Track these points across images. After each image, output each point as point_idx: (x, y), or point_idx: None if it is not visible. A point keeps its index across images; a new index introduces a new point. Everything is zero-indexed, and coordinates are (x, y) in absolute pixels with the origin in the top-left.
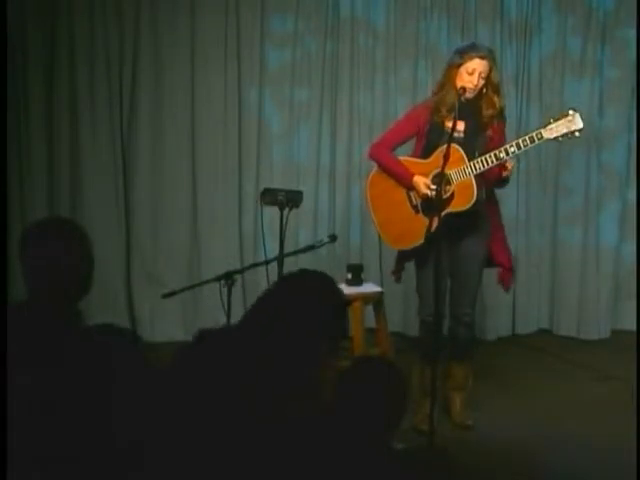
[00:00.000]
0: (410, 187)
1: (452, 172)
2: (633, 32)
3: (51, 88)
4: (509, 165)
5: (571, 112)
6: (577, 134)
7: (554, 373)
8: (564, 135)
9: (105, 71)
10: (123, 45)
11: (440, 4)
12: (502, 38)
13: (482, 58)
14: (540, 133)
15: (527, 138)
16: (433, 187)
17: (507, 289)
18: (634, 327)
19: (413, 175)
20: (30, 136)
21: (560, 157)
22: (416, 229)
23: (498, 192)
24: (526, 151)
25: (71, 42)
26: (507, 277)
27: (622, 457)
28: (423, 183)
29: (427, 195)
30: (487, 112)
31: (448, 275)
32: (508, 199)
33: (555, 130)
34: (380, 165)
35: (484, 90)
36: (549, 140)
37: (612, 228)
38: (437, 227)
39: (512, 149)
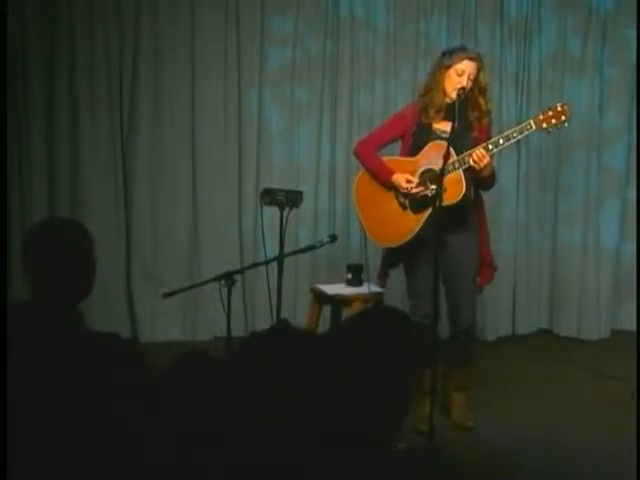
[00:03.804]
0: (390, 185)
1: (439, 167)
2: (633, 32)
3: (51, 88)
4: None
5: (559, 104)
6: (566, 124)
7: (554, 373)
8: (553, 125)
9: (105, 71)
10: (123, 45)
11: (440, 4)
12: (502, 38)
13: (471, 60)
14: (530, 124)
15: (517, 130)
16: (414, 180)
17: (481, 286)
18: (634, 327)
19: (392, 173)
20: (30, 136)
21: (560, 157)
22: (404, 226)
23: (499, 192)
24: (526, 151)
25: (71, 42)
26: (486, 274)
27: (622, 457)
28: (404, 179)
29: (408, 190)
30: (473, 114)
31: (441, 279)
32: (508, 199)
33: (544, 120)
34: (362, 163)
35: (475, 92)
36: (538, 130)
37: (612, 228)
38: (426, 222)
39: (501, 141)
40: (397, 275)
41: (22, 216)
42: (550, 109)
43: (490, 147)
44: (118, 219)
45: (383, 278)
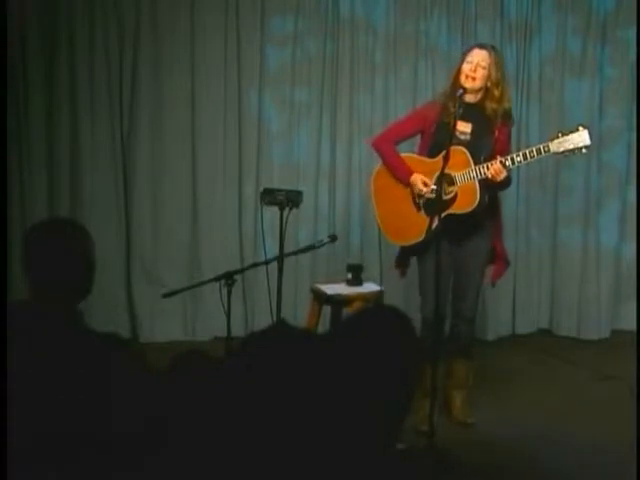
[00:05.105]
0: (407, 184)
1: (457, 174)
2: (633, 32)
3: (51, 88)
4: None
5: (580, 128)
6: (584, 150)
7: (554, 373)
8: (571, 151)
9: (105, 71)
10: (123, 45)
11: (440, 4)
12: (502, 38)
13: (480, 47)
14: (547, 146)
15: (534, 149)
16: (432, 186)
17: (495, 279)
18: (634, 327)
19: (412, 173)
20: (30, 136)
21: (560, 157)
22: (416, 226)
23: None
24: None
25: (71, 42)
26: (500, 267)
27: (622, 457)
28: (421, 180)
29: (422, 193)
30: (491, 105)
31: (452, 273)
32: (508, 199)
33: (562, 144)
34: (381, 157)
35: (488, 84)
36: (556, 154)
37: (612, 228)
38: (437, 226)
39: (518, 158)
40: (398, 276)
41: (22, 216)
42: (572, 132)
43: (507, 163)
44: (118, 219)
45: (402, 266)
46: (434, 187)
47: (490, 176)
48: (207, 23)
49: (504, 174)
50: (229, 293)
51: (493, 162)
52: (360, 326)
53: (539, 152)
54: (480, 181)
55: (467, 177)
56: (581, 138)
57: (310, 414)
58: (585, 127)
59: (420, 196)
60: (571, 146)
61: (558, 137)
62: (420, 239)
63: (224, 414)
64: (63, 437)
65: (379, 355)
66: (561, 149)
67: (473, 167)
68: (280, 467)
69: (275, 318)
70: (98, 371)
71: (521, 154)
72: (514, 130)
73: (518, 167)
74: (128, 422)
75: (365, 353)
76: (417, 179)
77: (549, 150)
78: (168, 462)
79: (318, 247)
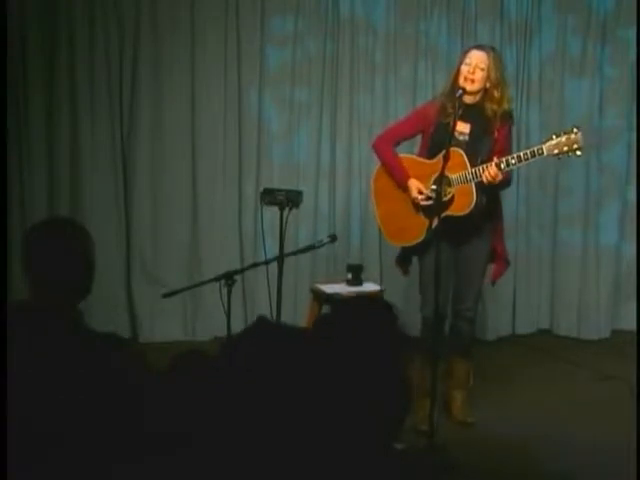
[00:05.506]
0: (405, 189)
1: (454, 176)
2: (633, 32)
3: (51, 88)
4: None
5: (575, 130)
6: (578, 153)
7: (554, 373)
8: (565, 153)
9: (105, 71)
10: (123, 45)
11: (440, 4)
12: (502, 38)
13: (479, 49)
14: (541, 148)
15: (528, 152)
16: (425, 193)
17: (495, 279)
18: (634, 327)
19: (409, 177)
20: (30, 136)
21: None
22: (415, 227)
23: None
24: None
25: (71, 42)
26: (500, 267)
27: (622, 457)
28: (415, 187)
29: (416, 200)
30: (491, 106)
31: (452, 273)
32: (508, 198)
33: (556, 147)
34: (380, 159)
35: (487, 85)
36: (549, 156)
37: (612, 228)
38: (437, 226)
39: (513, 161)
40: (398, 276)
41: (22, 216)
42: (566, 133)
43: (502, 166)
44: (118, 219)
45: (404, 265)
46: (432, 188)
47: (485, 179)
48: (207, 23)
49: (500, 177)
50: (229, 293)
51: (489, 165)
52: (340, 318)
53: (533, 155)
54: (477, 183)
55: (463, 179)
56: (575, 140)
57: (295, 411)
58: (579, 129)
59: (413, 200)
60: (565, 148)
61: (552, 139)
62: (420, 239)
63: (220, 414)
64: (62, 437)
65: (361, 344)
66: (555, 151)
67: (469, 169)
68: (279, 467)
69: (275, 318)
70: (98, 371)
71: (515, 156)
72: (514, 130)
73: (518, 167)
74: (128, 422)
75: (346, 344)
76: (412, 185)
77: (543, 152)
78: (168, 461)
79: (318, 247)
